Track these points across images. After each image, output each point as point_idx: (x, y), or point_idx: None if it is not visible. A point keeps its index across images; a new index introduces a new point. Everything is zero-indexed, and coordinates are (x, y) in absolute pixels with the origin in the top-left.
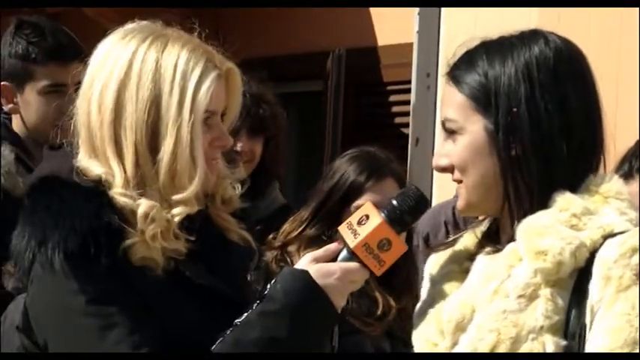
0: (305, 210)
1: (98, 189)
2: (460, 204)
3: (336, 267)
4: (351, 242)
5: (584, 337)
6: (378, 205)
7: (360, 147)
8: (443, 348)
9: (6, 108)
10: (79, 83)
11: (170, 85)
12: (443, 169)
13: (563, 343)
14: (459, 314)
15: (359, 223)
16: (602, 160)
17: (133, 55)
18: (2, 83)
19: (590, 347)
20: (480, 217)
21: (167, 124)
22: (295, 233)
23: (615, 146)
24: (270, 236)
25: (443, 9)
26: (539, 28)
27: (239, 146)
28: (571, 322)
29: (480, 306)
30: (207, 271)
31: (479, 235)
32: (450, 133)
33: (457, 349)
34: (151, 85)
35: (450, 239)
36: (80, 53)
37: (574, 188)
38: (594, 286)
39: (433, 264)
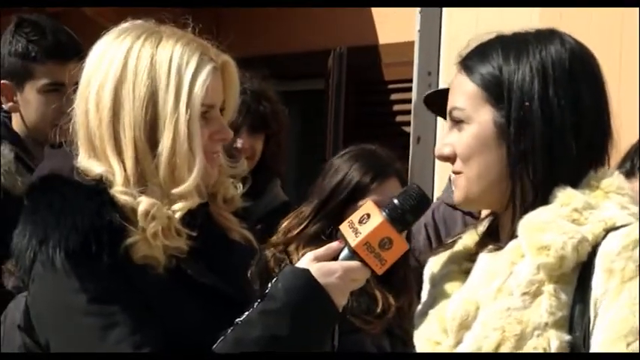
0: (306, 207)
1: (99, 187)
2: (458, 195)
3: (337, 266)
4: (353, 241)
5: (589, 331)
6: (379, 204)
7: (359, 145)
8: (446, 346)
9: (6, 107)
10: (77, 83)
11: (166, 81)
12: (446, 158)
13: (568, 338)
14: (463, 311)
15: (360, 221)
16: (606, 161)
17: (127, 53)
18: (2, 82)
19: (594, 340)
20: (483, 214)
21: (165, 119)
22: (296, 231)
23: (617, 145)
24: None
25: (444, 8)
26: (555, 28)
27: (239, 143)
28: (575, 316)
29: (483, 303)
30: (208, 269)
31: (479, 233)
32: (457, 122)
33: (461, 347)
34: (147, 82)
35: (449, 241)
36: (80, 52)
37: (575, 185)
38: (597, 280)
39: (433, 265)
